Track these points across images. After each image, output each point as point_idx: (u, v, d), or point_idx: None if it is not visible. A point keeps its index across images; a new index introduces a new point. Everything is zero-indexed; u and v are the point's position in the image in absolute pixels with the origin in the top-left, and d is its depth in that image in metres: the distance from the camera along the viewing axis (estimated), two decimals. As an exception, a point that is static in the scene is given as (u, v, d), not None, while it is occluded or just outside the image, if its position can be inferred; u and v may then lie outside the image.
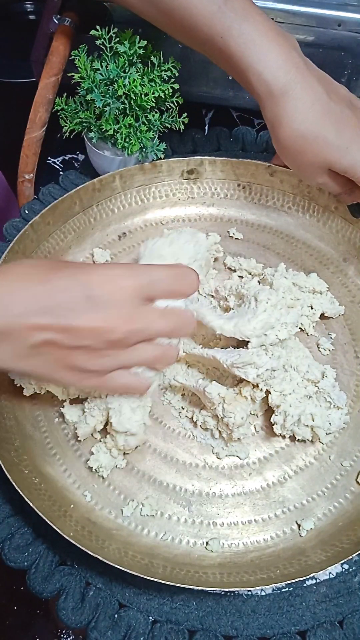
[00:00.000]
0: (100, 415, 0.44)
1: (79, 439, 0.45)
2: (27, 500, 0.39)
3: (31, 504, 0.39)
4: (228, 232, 0.59)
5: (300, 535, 0.42)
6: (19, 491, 0.39)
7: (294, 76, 0.44)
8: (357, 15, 0.58)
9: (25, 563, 0.41)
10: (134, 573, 0.37)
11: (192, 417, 0.47)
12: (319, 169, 0.48)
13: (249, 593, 0.41)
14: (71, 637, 0.45)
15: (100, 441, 0.45)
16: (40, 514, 0.38)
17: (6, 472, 0.40)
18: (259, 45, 0.44)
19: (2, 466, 0.40)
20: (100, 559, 0.37)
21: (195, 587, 0.37)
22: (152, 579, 0.37)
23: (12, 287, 0.35)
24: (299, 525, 0.43)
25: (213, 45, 0.46)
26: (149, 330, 0.38)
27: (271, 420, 0.45)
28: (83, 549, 0.37)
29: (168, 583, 0.37)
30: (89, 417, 0.44)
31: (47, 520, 0.38)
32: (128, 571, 0.37)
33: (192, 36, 0.48)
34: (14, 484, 0.39)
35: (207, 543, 0.42)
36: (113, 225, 0.59)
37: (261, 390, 0.45)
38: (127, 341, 0.37)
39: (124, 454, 0.45)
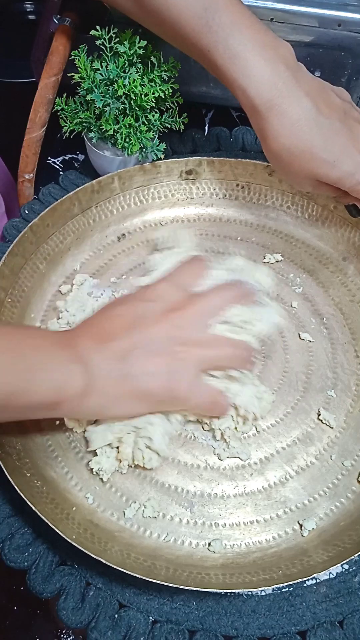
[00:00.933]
0: (129, 447, 0.44)
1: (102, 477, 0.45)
2: (29, 504, 0.39)
3: (34, 508, 0.39)
4: (228, 232, 0.59)
5: (302, 536, 0.43)
6: (22, 495, 0.39)
7: (280, 91, 0.44)
8: (357, 15, 0.58)
9: (25, 563, 0.41)
10: (137, 575, 0.37)
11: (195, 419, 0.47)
12: (307, 180, 0.48)
13: (250, 593, 0.41)
14: (71, 637, 0.45)
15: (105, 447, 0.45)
16: (43, 517, 0.38)
17: (8, 476, 0.40)
18: (244, 59, 0.44)
19: (5, 470, 0.40)
20: (103, 561, 0.37)
21: (198, 589, 0.37)
22: (154, 580, 0.37)
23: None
24: (300, 526, 0.43)
25: (203, 57, 0.47)
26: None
27: None
28: (86, 551, 0.37)
29: (171, 585, 0.37)
30: (109, 451, 0.44)
31: (49, 523, 0.38)
32: (131, 573, 0.37)
33: (184, 47, 0.48)
34: (16, 487, 0.39)
35: (209, 544, 0.42)
36: (112, 227, 0.59)
37: None
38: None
39: (129, 466, 0.45)
